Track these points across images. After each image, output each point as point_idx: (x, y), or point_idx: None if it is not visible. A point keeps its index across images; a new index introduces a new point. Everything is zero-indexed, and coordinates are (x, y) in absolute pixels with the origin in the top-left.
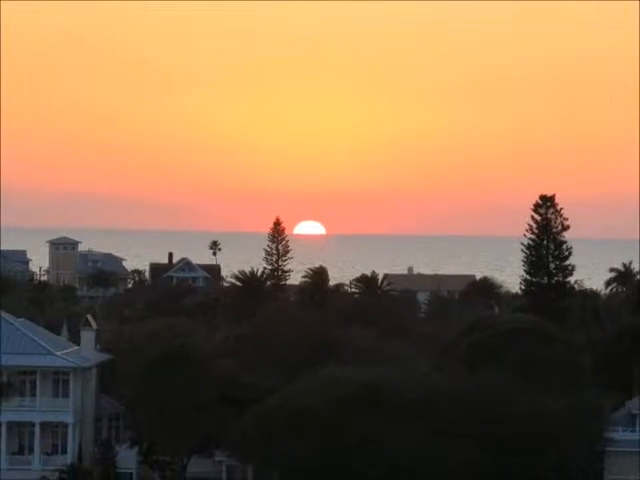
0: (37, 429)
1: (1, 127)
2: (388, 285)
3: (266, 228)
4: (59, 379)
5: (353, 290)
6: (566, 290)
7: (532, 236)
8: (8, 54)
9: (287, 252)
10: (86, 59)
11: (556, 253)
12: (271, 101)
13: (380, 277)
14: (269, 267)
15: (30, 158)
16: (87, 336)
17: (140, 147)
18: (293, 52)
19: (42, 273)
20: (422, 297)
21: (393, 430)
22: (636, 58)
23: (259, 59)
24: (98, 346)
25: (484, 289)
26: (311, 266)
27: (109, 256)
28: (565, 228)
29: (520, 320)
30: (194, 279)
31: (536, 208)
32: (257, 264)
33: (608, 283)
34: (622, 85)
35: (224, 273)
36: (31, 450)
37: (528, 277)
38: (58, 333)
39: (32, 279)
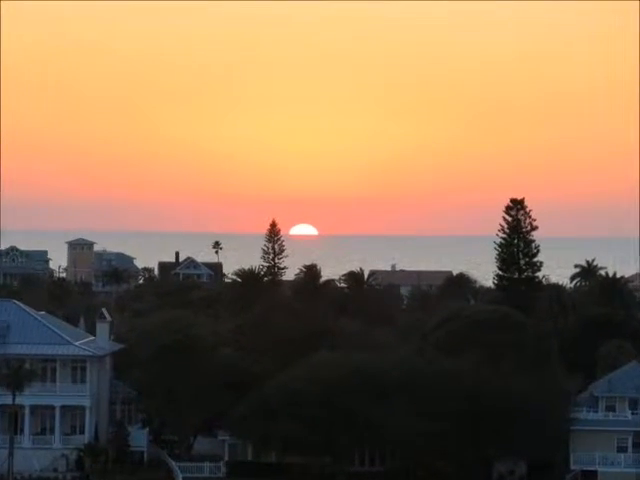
0: (57, 412)
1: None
2: (374, 280)
3: (264, 230)
4: (77, 366)
5: (342, 285)
6: (535, 284)
7: (504, 235)
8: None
9: (282, 251)
10: (113, 71)
11: (525, 251)
12: (271, 116)
13: (366, 273)
14: (266, 265)
15: (48, 167)
16: (102, 327)
17: (148, 158)
18: (289, 67)
19: (61, 271)
20: (404, 291)
21: (379, 408)
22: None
23: (259, 73)
24: (112, 336)
25: (460, 283)
26: (304, 263)
27: (121, 255)
28: (533, 228)
29: (492, 310)
30: (199, 276)
31: (507, 210)
32: (255, 262)
33: (572, 278)
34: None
35: (226, 270)
36: (52, 431)
37: (500, 272)
38: (76, 325)
39: (52, 276)
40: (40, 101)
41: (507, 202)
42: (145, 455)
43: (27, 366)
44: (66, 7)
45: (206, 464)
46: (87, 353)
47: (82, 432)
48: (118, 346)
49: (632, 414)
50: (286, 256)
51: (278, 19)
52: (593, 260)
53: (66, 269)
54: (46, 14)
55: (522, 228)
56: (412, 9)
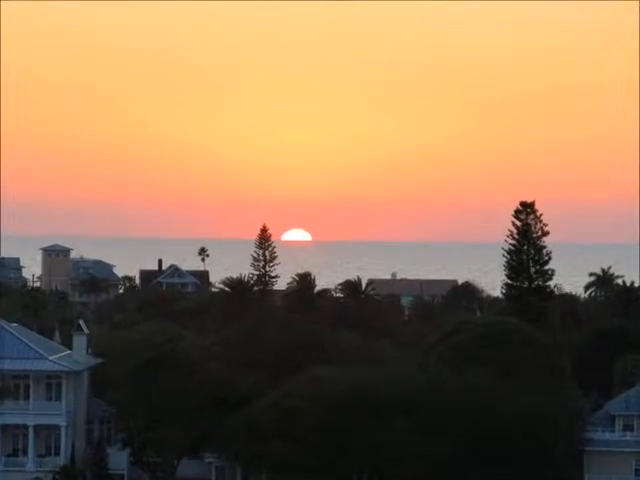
0: (31, 432)
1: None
2: (372, 290)
3: (254, 235)
4: (52, 383)
5: (338, 295)
6: (546, 294)
7: (513, 241)
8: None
9: (274, 258)
10: (86, 71)
11: (536, 258)
12: (262, 114)
13: (364, 282)
14: (256, 273)
15: (24, 167)
16: (79, 341)
17: (130, 159)
18: (284, 65)
19: (35, 279)
20: (406, 301)
21: (377, 428)
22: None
23: (252, 74)
24: (90, 350)
25: (466, 293)
26: (298, 271)
27: (100, 262)
28: (545, 233)
29: (499, 322)
30: (183, 285)
31: (516, 214)
32: (245, 270)
33: (587, 287)
34: (599, 98)
35: (213, 279)
36: (25, 452)
37: (509, 281)
38: (51, 338)
39: (25, 285)
40: (13, 100)
41: (516, 205)
42: (125, 478)
43: None
44: (60, 6)
45: None
46: (63, 368)
47: (57, 453)
48: (96, 361)
49: None
50: (278, 263)
51: (273, 17)
52: (609, 268)
53: (40, 277)
54: (39, 13)
55: (532, 233)
56: (413, 8)
